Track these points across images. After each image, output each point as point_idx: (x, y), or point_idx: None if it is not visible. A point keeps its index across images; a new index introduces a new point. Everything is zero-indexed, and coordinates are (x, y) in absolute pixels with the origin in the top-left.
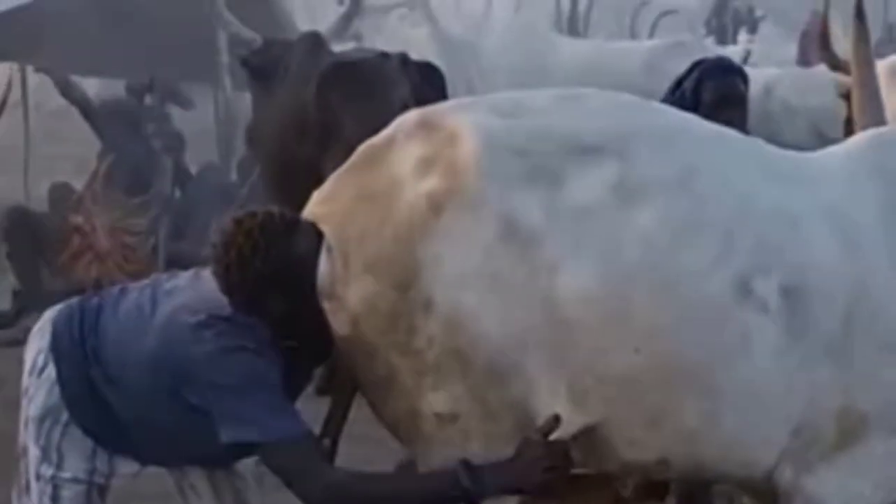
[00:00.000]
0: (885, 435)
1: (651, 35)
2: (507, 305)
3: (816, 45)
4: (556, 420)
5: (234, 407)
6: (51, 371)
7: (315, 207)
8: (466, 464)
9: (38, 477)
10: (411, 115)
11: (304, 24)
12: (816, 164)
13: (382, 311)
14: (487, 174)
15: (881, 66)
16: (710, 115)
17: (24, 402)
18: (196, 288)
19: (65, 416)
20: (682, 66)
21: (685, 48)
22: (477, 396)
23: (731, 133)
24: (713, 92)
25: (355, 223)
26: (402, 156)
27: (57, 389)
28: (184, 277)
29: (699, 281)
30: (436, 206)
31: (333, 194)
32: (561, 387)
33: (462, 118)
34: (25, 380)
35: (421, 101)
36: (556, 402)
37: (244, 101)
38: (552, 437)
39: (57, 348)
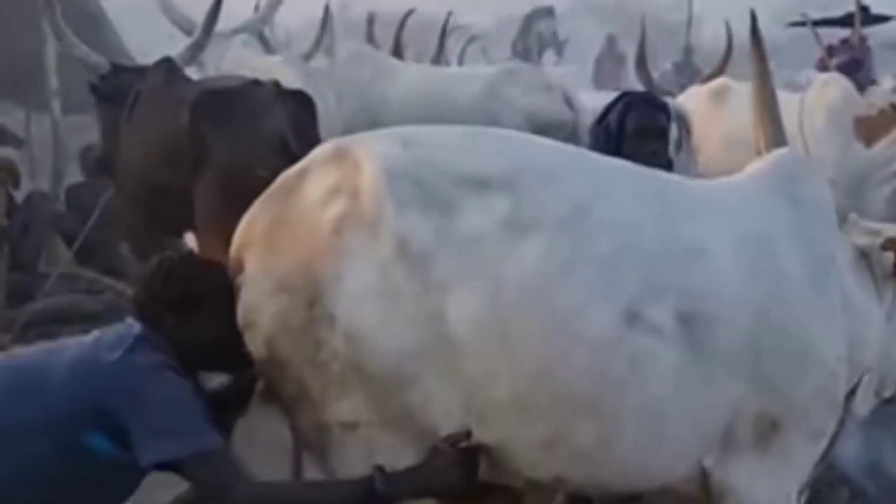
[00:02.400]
0: (803, 437)
1: (461, 61)
2: (402, 320)
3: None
4: (467, 433)
5: (157, 424)
6: None
7: (239, 236)
8: (380, 469)
9: None
10: (327, 147)
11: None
12: (726, 191)
13: (293, 326)
14: (385, 197)
15: (704, 90)
16: (633, 145)
17: None
18: (98, 340)
19: None
20: (520, 92)
21: (524, 74)
22: (377, 406)
23: (631, 168)
24: (636, 123)
25: (271, 246)
26: (314, 184)
27: None
28: (67, 344)
29: (584, 312)
30: (338, 227)
31: (253, 222)
32: (456, 403)
33: (368, 147)
34: None
35: (298, 129)
36: (453, 417)
37: (73, 126)
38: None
39: None
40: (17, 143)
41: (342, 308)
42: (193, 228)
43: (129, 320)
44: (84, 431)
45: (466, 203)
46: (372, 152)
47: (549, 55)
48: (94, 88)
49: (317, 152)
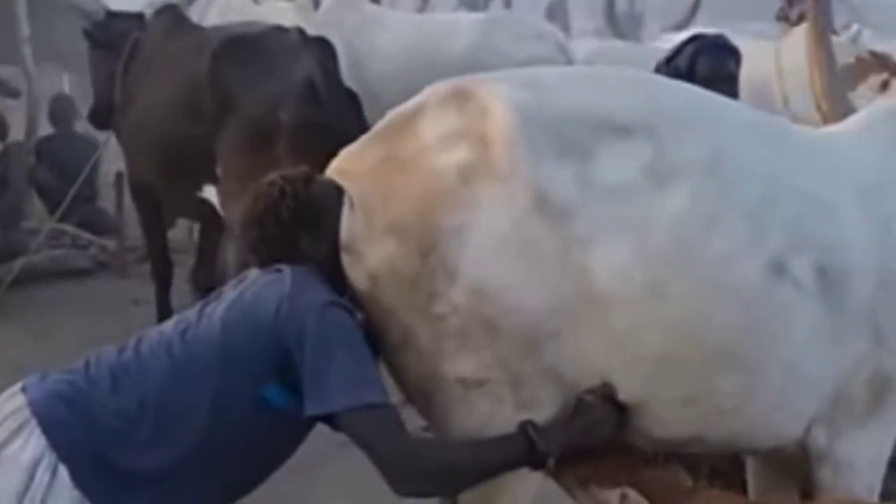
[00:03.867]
0: None
1: (422, 9)
2: (540, 276)
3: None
4: (609, 386)
5: (324, 373)
6: (63, 476)
7: (340, 164)
8: (532, 425)
9: None
10: (442, 87)
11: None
12: (841, 142)
13: (403, 273)
14: (519, 146)
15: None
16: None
17: None
18: (248, 287)
19: None
20: (513, 41)
21: (512, 22)
22: (506, 364)
23: (757, 114)
24: (707, 68)
25: (380, 184)
26: (431, 124)
27: (76, 493)
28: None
29: (733, 264)
30: (465, 176)
31: (359, 155)
32: (597, 359)
33: (495, 91)
34: (13, 499)
35: (326, 75)
36: (591, 375)
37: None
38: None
39: (61, 445)
40: (13, 94)
41: (467, 262)
42: (213, 180)
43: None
44: (262, 384)
45: (605, 150)
46: (500, 96)
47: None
48: (88, 35)
49: (430, 93)
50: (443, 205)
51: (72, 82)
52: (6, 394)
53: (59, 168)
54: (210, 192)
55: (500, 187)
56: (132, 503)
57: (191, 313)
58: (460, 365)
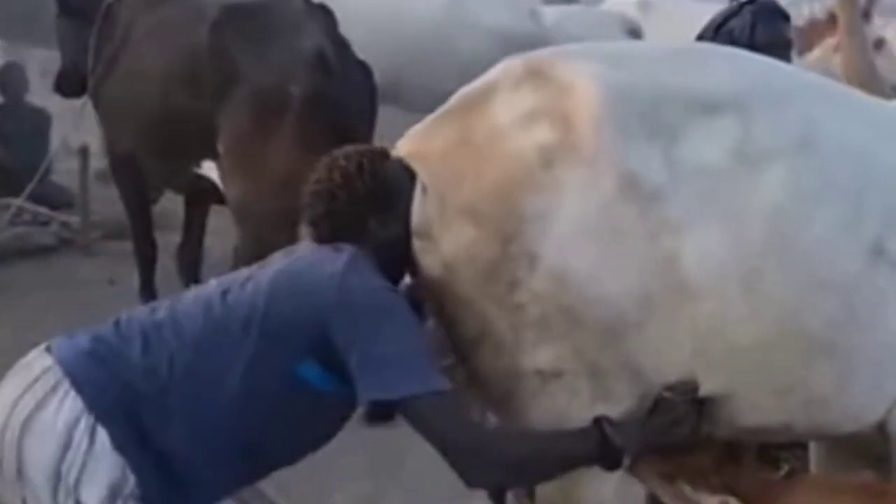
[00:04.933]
0: None
1: None
2: (625, 263)
3: None
4: (693, 384)
5: (381, 356)
6: (103, 439)
7: (408, 146)
8: (608, 420)
9: None
10: (514, 64)
11: None
12: None
13: (481, 261)
14: (606, 126)
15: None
16: None
17: (60, 496)
18: (300, 258)
19: (130, 483)
20: (483, 7)
21: None
22: (584, 354)
23: (839, 88)
24: (766, 35)
25: (452, 167)
26: (506, 104)
27: (117, 457)
28: (256, 269)
29: (832, 248)
30: (546, 159)
31: (429, 137)
32: (682, 351)
33: (577, 67)
34: (50, 465)
35: (338, 44)
36: (674, 368)
37: None
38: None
39: (97, 406)
40: None
41: (550, 249)
42: (214, 156)
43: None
44: (299, 359)
45: (695, 130)
46: (583, 73)
47: None
48: (61, 1)
49: (501, 70)
50: (524, 189)
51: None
52: (31, 354)
53: (8, 140)
54: (209, 168)
55: (586, 170)
56: (165, 469)
57: (235, 277)
58: (538, 356)
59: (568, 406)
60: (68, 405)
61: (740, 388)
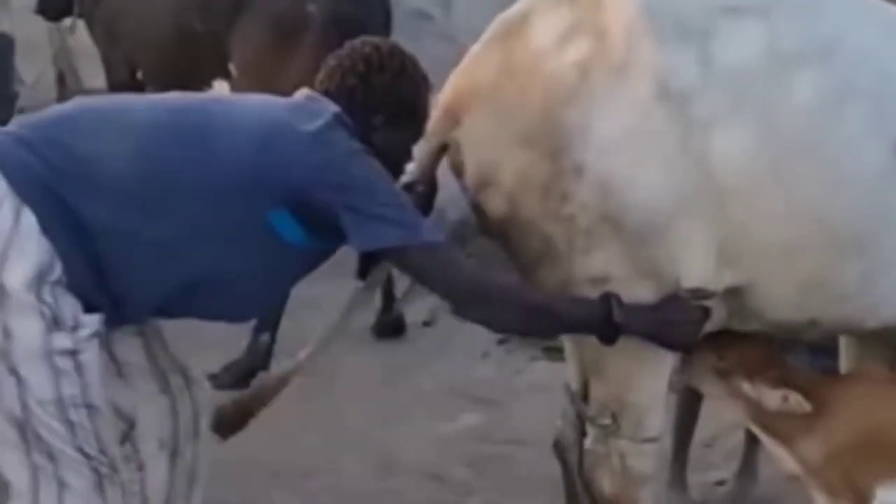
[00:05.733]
0: None
1: None
2: (661, 165)
3: None
4: (711, 292)
5: (374, 208)
6: (30, 221)
7: (457, 82)
8: (618, 299)
9: (50, 355)
10: None
11: None
12: None
13: (536, 181)
14: (638, 32)
15: None
16: None
17: None
18: (272, 103)
19: (57, 268)
20: None
21: None
22: (628, 258)
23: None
24: None
25: (503, 101)
26: (543, 27)
27: (44, 241)
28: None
29: (859, 146)
30: (583, 71)
31: (474, 71)
32: (712, 248)
33: None
34: None
35: None
36: (706, 264)
37: None
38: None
39: (23, 187)
40: None
41: (593, 158)
42: (224, 75)
43: (318, 99)
44: (269, 207)
45: (724, 34)
46: None
47: None
48: None
49: None
50: (565, 105)
51: None
52: None
53: None
54: (221, 88)
55: (620, 77)
56: (94, 263)
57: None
58: (589, 264)
59: None
60: None
61: (768, 282)
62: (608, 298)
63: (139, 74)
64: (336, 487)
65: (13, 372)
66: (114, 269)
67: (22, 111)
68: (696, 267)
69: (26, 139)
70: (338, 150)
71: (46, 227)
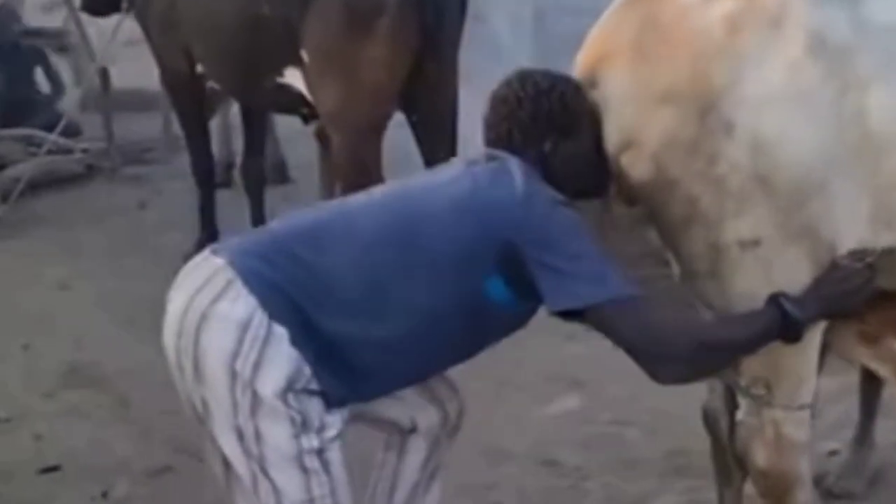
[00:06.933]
0: None
1: None
2: (814, 124)
3: None
4: (871, 250)
5: (569, 266)
6: (280, 334)
7: (595, 48)
8: (784, 295)
9: (300, 456)
10: None
11: None
12: None
13: (683, 140)
14: None
15: None
16: None
17: (237, 389)
18: (476, 174)
19: (305, 376)
20: None
21: None
22: (781, 219)
23: None
24: None
25: (645, 58)
26: None
27: (294, 352)
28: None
29: None
30: (733, 26)
31: (614, 33)
32: (865, 207)
33: None
34: (227, 356)
35: None
36: (858, 224)
37: None
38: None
39: (271, 303)
40: None
41: (744, 115)
42: (296, 62)
43: (493, 154)
44: (486, 277)
45: None
46: None
47: None
48: None
49: None
50: (714, 61)
51: None
52: (197, 259)
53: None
54: (293, 76)
55: (772, 32)
56: (343, 366)
57: (403, 184)
58: (739, 226)
59: (764, 276)
60: (242, 302)
61: None
62: (777, 300)
63: (199, 68)
64: (451, 480)
65: (266, 476)
66: (357, 372)
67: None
68: (853, 227)
69: (270, 258)
70: (538, 205)
71: (295, 340)
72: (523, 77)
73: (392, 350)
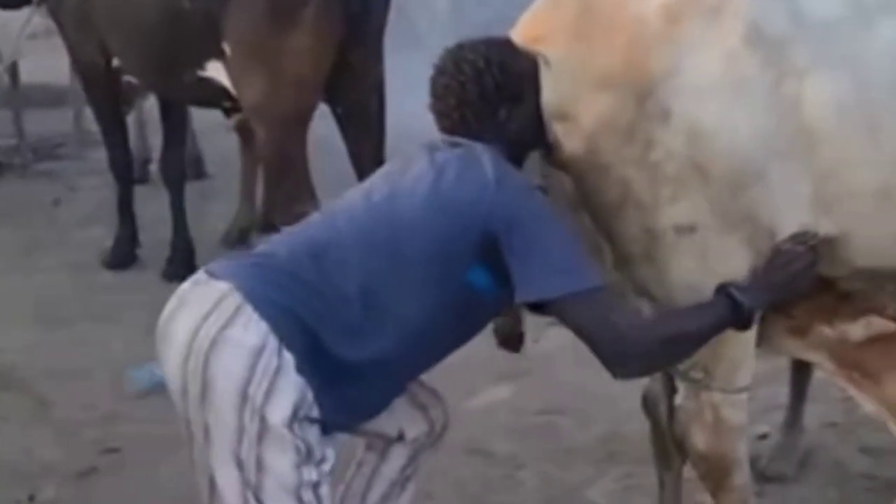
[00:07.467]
0: None
1: None
2: (751, 113)
3: None
4: (813, 233)
5: (540, 258)
6: (289, 360)
7: (530, 29)
8: (731, 285)
9: (299, 488)
10: None
11: None
12: None
13: (619, 125)
14: None
15: None
16: None
17: (246, 415)
18: (443, 169)
19: (308, 402)
20: None
21: None
22: (717, 206)
23: None
24: None
25: (581, 40)
26: None
27: (300, 380)
28: (396, 174)
29: None
30: (672, 15)
31: (550, 17)
32: (803, 197)
33: None
34: (240, 382)
35: None
36: (799, 210)
37: None
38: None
39: (281, 329)
40: None
41: (681, 104)
42: (218, 55)
43: (455, 141)
44: (469, 267)
45: None
46: None
47: None
48: None
49: None
50: (652, 48)
51: None
52: (193, 281)
53: None
54: (215, 70)
55: (711, 22)
56: (337, 385)
57: (376, 186)
58: (675, 212)
59: (699, 262)
60: (253, 328)
61: (859, 231)
62: (726, 289)
63: (115, 62)
64: None
65: None
66: (357, 394)
67: None
68: (795, 214)
69: (275, 281)
70: (510, 193)
71: (300, 367)
72: (456, 59)
73: (391, 360)
